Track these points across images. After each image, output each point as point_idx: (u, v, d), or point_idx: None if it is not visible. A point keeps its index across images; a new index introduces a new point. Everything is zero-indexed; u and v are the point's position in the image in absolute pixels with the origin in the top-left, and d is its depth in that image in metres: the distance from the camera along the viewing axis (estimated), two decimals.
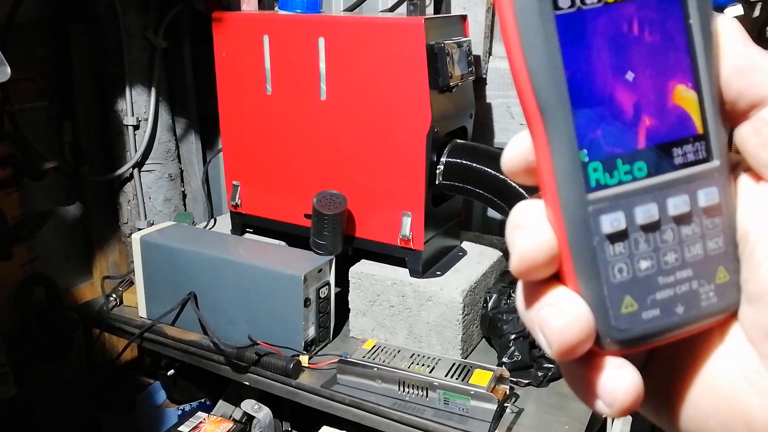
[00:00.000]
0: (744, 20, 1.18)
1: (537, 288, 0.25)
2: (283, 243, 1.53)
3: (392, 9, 1.57)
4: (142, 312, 1.52)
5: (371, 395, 1.22)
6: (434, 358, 1.24)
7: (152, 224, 1.80)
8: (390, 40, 1.26)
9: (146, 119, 1.79)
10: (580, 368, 0.25)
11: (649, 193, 0.24)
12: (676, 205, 0.24)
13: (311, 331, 1.34)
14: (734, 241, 0.25)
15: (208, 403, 1.68)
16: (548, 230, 0.24)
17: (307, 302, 1.30)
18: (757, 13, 1.26)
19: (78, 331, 1.69)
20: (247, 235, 1.60)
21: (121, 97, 1.76)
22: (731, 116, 0.25)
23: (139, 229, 1.62)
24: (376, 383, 1.22)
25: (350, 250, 1.43)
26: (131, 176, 1.81)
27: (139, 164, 1.81)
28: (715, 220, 0.25)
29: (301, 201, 1.44)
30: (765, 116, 0.23)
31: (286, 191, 1.48)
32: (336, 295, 1.41)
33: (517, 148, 0.25)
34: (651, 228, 0.24)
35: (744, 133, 0.24)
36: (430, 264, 1.37)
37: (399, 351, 1.27)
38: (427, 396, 1.19)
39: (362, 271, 1.37)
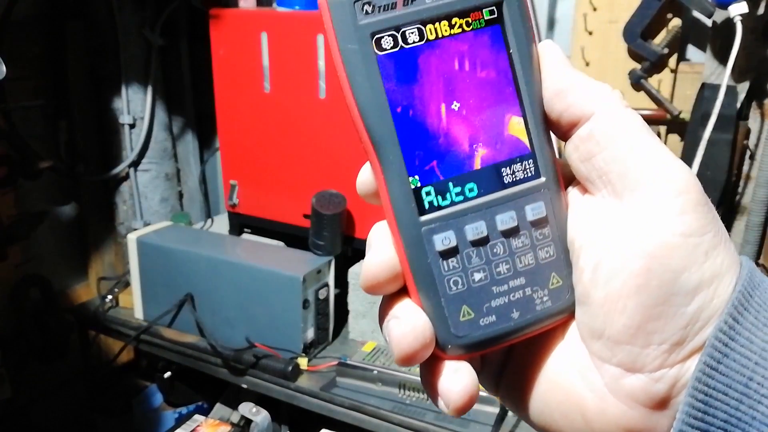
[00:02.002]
0: (748, 17, 1.17)
1: (387, 302, 0.28)
2: (281, 243, 1.52)
3: None
4: (139, 313, 1.50)
5: (371, 398, 1.21)
6: None
7: (148, 224, 1.78)
8: None
9: (142, 118, 1.77)
10: (427, 372, 0.27)
11: (478, 212, 0.27)
12: (504, 220, 0.27)
13: (310, 333, 1.33)
14: (566, 249, 0.27)
15: (205, 406, 1.67)
16: (389, 251, 0.27)
17: (305, 304, 1.28)
18: (761, 10, 1.24)
19: (74, 333, 1.67)
20: (244, 236, 1.59)
21: (117, 95, 1.74)
22: (558, 134, 0.27)
23: (135, 230, 1.61)
24: (376, 386, 1.21)
25: (350, 250, 1.41)
26: (127, 176, 1.79)
27: (136, 163, 1.79)
28: (544, 231, 0.27)
29: (300, 201, 1.42)
30: (582, 134, 0.26)
31: (284, 191, 1.47)
32: (335, 296, 1.39)
33: (363, 175, 0.28)
34: (481, 243, 0.27)
35: (568, 150, 0.27)
36: None
37: None
38: (427, 399, 1.17)
39: None
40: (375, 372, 1.21)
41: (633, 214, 0.25)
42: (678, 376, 0.25)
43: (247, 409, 1.41)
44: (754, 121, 1.32)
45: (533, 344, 0.28)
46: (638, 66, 1.36)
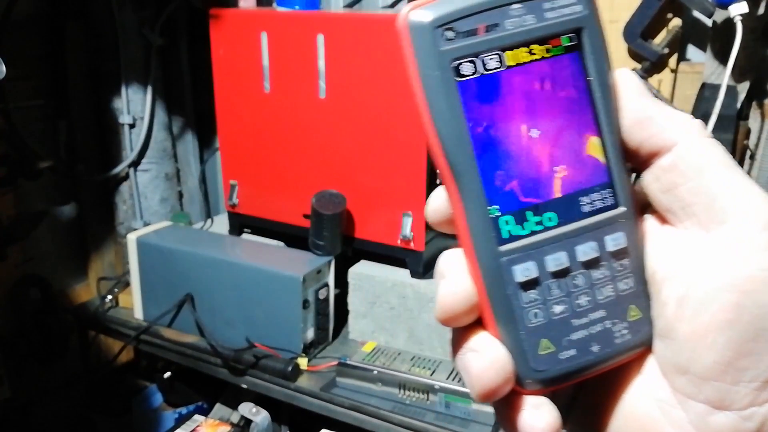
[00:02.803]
0: (749, 17, 1.17)
1: (462, 334, 0.27)
2: (281, 243, 1.52)
3: (392, 5, 1.56)
4: (138, 314, 1.50)
5: (371, 398, 1.21)
6: (435, 361, 1.22)
7: (148, 224, 1.78)
8: (390, 37, 1.24)
9: (142, 118, 1.77)
10: (504, 407, 0.26)
11: (558, 242, 0.26)
12: (585, 251, 0.26)
13: (310, 333, 1.32)
14: (644, 281, 0.27)
15: (205, 406, 1.67)
16: (468, 280, 0.26)
17: (305, 304, 1.28)
18: (761, 10, 1.24)
19: (73, 333, 1.67)
20: (244, 236, 1.59)
21: (116, 95, 1.74)
22: (635, 163, 0.27)
23: (135, 230, 1.60)
24: (376, 386, 1.21)
25: (350, 250, 1.41)
26: (127, 176, 1.79)
27: (135, 163, 1.79)
28: (624, 263, 0.27)
29: (300, 201, 1.42)
30: (663, 164, 0.26)
31: (284, 191, 1.46)
32: (335, 296, 1.39)
33: (436, 202, 0.27)
34: (562, 274, 0.26)
35: (647, 180, 0.26)
36: (431, 265, 1.35)
37: (399, 353, 1.25)
38: (428, 399, 1.17)
39: (362, 272, 1.36)
40: (375, 372, 1.20)
41: (721, 246, 0.24)
42: None
43: (247, 409, 1.41)
44: (754, 121, 1.32)
45: (608, 377, 0.28)
46: (638, 66, 1.36)
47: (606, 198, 0.27)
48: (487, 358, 0.26)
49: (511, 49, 0.25)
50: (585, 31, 0.26)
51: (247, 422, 1.43)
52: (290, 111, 1.40)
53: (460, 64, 0.25)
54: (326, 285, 1.34)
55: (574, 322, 0.26)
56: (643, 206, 0.28)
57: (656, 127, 0.26)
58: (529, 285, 0.26)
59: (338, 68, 1.31)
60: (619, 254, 0.27)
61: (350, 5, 1.62)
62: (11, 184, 1.59)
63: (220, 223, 1.69)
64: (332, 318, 1.39)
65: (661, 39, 1.34)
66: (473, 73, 0.25)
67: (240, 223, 1.58)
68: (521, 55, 0.25)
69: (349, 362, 1.24)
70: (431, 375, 1.18)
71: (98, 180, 1.79)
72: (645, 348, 0.27)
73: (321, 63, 1.32)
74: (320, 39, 1.31)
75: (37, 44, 1.67)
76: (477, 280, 0.26)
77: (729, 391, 0.24)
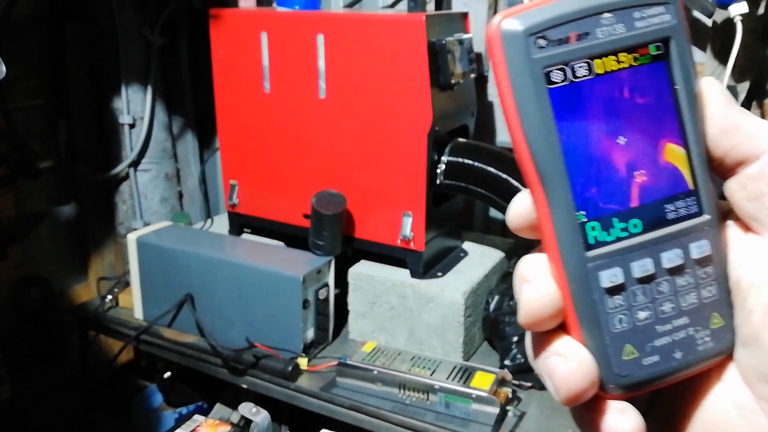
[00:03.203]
0: (749, 17, 1.17)
1: (544, 337, 0.27)
2: (281, 243, 1.52)
3: (393, 5, 1.56)
4: (138, 314, 1.50)
5: (371, 398, 1.21)
6: (435, 361, 1.22)
7: (148, 224, 1.78)
8: (390, 37, 1.24)
9: (142, 118, 1.77)
10: (586, 411, 0.27)
11: (644, 248, 0.27)
12: (670, 258, 0.27)
13: (310, 333, 1.33)
14: (727, 289, 0.27)
15: (205, 406, 1.67)
16: (552, 285, 0.27)
17: (305, 304, 1.28)
18: (761, 10, 1.24)
19: (73, 333, 1.67)
20: (244, 236, 1.59)
21: (117, 95, 1.74)
22: (719, 171, 0.27)
23: (135, 230, 1.60)
24: (376, 386, 1.21)
25: (350, 250, 1.41)
26: (127, 176, 1.80)
27: (135, 163, 1.79)
28: (708, 270, 0.27)
29: (300, 201, 1.42)
30: (750, 173, 0.26)
31: (284, 191, 1.47)
32: (335, 296, 1.39)
33: (519, 207, 0.27)
34: (647, 281, 0.27)
35: (732, 188, 0.26)
36: (431, 265, 1.35)
37: (399, 353, 1.25)
38: (428, 399, 1.17)
39: (362, 272, 1.36)
40: (375, 372, 1.20)
41: None
42: None
43: (247, 409, 1.41)
44: None
45: (686, 384, 0.28)
46: None
47: (690, 206, 0.27)
48: (573, 363, 0.26)
49: (600, 57, 0.26)
50: (673, 40, 0.26)
51: (247, 422, 1.43)
52: (290, 111, 1.40)
53: (551, 71, 0.25)
54: (326, 285, 1.34)
55: (657, 329, 0.27)
56: (724, 214, 0.28)
57: (743, 136, 0.26)
58: (615, 291, 0.26)
59: (338, 68, 1.31)
60: (703, 262, 0.27)
61: (350, 5, 1.62)
62: (11, 184, 1.59)
63: (220, 223, 1.69)
64: (332, 318, 1.39)
65: None
66: (563, 81, 0.26)
67: (240, 223, 1.58)
68: (609, 63, 0.26)
69: (349, 362, 1.24)
70: (431, 375, 1.18)
71: (98, 180, 1.80)
72: (726, 356, 0.27)
73: (321, 63, 1.32)
74: (320, 39, 1.31)
75: (38, 44, 1.67)
76: (562, 285, 0.27)
77: None
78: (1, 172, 1.56)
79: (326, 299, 1.35)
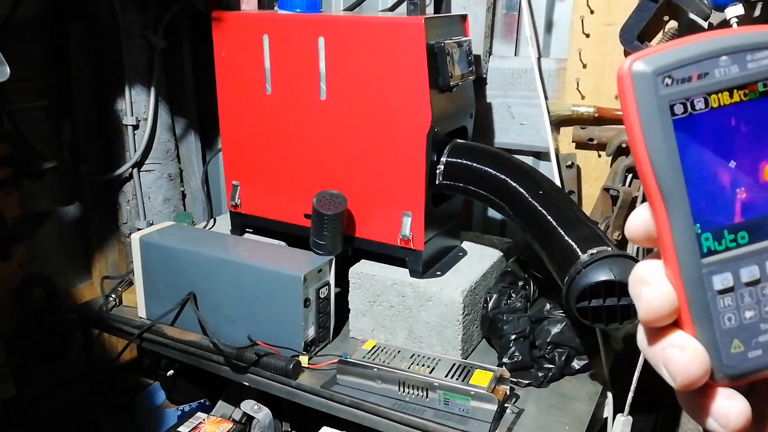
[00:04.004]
0: (744, 20, 1.18)
1: (659, 332, 0.31)
2: (282, 243, 1.53)
3: (392, 8, 1.57)
4: (142, 312, 1.51)
5: (371, 396, 1.22)
6: (434, 359, 1.23)
7: (151, 224, 1.80)
8: (390, 39, 1.25)
9: (146, 119, 1.79)
10: (697, 397, 0.31)
11: (751, 257, 0.31)
12: None
13: (311, 332, 1.34)
14: None
15: (207, 403, 1.68)
16: (669, 287, 0.31)
17: (306, 302, 1.30)
18: (757, 12, 1.25)
19: (77, 332, 1.68)
20: (246, 235, 1.60)
21: (120, 96, 1.76)
22: None
23: (139, 229, 1.62)
24: (376, 384, 1.22)
25: (350, 250, 1.42)
26: (130, 176, 1.81)
27: (139, 164, 1.81)
28: None
29: (301, 201, 1.44)
30: None
31: (285, 191, 1.48)
32: (336, 295, 1.40)
33: (638, 219, 0.32)
34: (753, 284, 0.31)
35: None
36: (430, 264, 1.36)
37: (399, 351, 1.26)
38: (427, 396, 1.18)
39: (362, 271, 1.37)
40: (375, 370, 1.21)
41: None
42: None
43: (249, 406, 1.42)
44: None
45: None
46: None
47: None
48: (690, 353, 0.30)
49: (716, 93, 0.30)
50: None
51: (249, 419, 1.45)
52: (291, 112, 1.41)
53: (675, 104, 0.30)
54: (327, 284, 1.36)
55: (762, 327, 0.31)
56: None
57: None
58: (725, 292, 0.31)
59: (339, 70, 1.33)
60: None
61: (351, 8, 1.63)
62: (16, 184, 1.60)
63: (223, 223, 1.71)
64: (333, 316, 1.40)
65: (657, 41, 1.35)
66: (684, 113, 0.30)
67: (242, 223, 1.60)
68: (724, 98, 0.30)
69: (349, 360, 1.25)
70: (430, 372, 1.19)
71: (102, 180, 1.81)
72: None
73: (322, 65, 1.34)
74: (321, 41, 1.32)
75: (41, 46, 1.68)
76: (679, 287, 0.31)
77: None
78: (6, 173, 1.57)
79: (327, 298, 1.36)
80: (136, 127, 1.78)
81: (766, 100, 0.31)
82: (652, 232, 0.31)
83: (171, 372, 1.66)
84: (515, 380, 1.25)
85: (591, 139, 1.45)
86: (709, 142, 0.30)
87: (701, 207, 0.31)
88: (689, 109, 0.30)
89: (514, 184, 1.23)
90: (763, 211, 0.31)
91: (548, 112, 1.47)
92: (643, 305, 0.31)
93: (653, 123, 0.30)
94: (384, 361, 1.23)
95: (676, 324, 0.32)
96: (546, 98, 1.48)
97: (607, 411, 1.28)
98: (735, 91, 0.30)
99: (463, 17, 1.40)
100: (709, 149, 0.30)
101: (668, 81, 0.30)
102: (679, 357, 0.30)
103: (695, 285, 0.31)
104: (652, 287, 0.31)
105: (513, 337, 1.28)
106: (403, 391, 1.20)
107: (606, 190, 1.40)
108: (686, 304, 0.31)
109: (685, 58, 0.30)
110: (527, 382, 1.26)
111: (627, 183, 1.38)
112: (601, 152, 1.47)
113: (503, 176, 1.25)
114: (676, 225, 0.31)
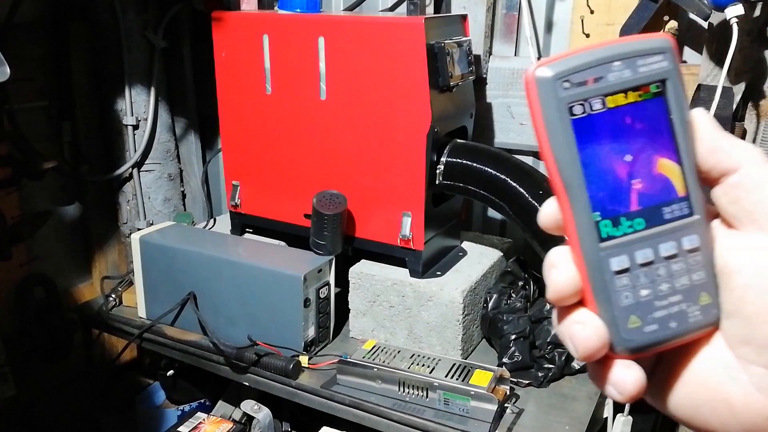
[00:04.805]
0: (744, 20, 1.18)
1: (566, 310, 0.35)
2: (282, 243, 1.53)
3: (392, 8, 1.57)
4: (142, 312, 1.51)
5: (371, 396, 1.22)
6: (434, 359, 1.23)
7: (152, 224, 1.80)
8: (390, 39, 1.25)
9: (146, 119, 1.79)
10: (599, 367, 0.34)
11: (646, 241, 0.34)
12: (666, 249, 0.34)
13: (311, 332, 1.34)
14: (714, 273, 0.34)
15: (207, 403, 1.68)
16: (574, 270, 0.34)
17: (306, 302, 1.30)
18: (757, 12, 1.25)
19: (77, 332, 1.68)
20: (246, 235, 1.60)
21: (120, 96, 1.76)
22: (708, 182, 0.34)
23: (139, 229, 1.62)
24: (376, 384, 1.22)
25: (350, 250, 1.43)
26: (131, 176, 1.81)
27: (139, 164, 1.81)
28: (697, 258, 0.34)
29: (301, 201, 1.44)
30: (730, 182, 0.33)
31: (285, 191, 1.48)
32: (336, 295, 1.40)
33: (548, 210, 0.35)
34: (648, 265, 0.34)
35: (717, 194, 0.33)
36: (430, 264, 1.36)
37: (399, 351, 1.26)
38: (427, 396, 1.18)
39: (362, 271, 1.37)
40: (375, 370, 1.22)
41: None
42: None
43: (249, 406, 1.42)
44: (750, 122, 1.34)
45: (682, 350, 0.34)
46: None
47: (683, 208, 0.34)
48: (590, 328, 0.33)
49: (611, 95, 0.33)
50: (669, 81, 0.33)
51: (249, 419, 1.45)
52: (291, 112, 1.41)
53: (573, 106, 0.33)
54: (327, 284, 1.36)
55: (656, 304, 0.34)
56: (714, 215, 0.34)
57: (725, 154, 0.33)
58: (622, 273, 0.34)
59: (339, 70, 1.33)
60: (693, 251, 0.34)
61: (351, 8, 1.63)
62: (16, 184, 1.60)
63: (223, 223, 1.71)
64: (333, 316, 1.40)
65: None
66: (582, 113, 0.33)
67: (242, 223, 1.60)
68: (619, 99, 0.33)
69: (349, 360, 1.25)
70: (430, 372, 1.19)
71: (102, 180, 1.81)
72: (713, 327, 0.34)
73: (322, 65, 1.34)
74: (321, 41, 1.32)
75: (42, 46, 1.68)
76: (581, 269, 0.34)
77: None
78: (6, 173, 1.57)
79: (327, 298, 1.36)
80: (136, 127, 1.78)
81: (659, 100, 0.33)
82: (561, 221, 0.34)
83: (171, 372, 1.66)
84: (515, 380, 1.25)
85: None
86: (607, 138, 0.33)
87: (600, 197, 0.33)
88: (588, 109, 0.33)
89: (514, 184, 1.23)
90: (658, 200, 0.34)
91: None
92: (551, 286, 0.34)
93: (554, 122, 0.33)
94: (384, 361, 1.23)
95: (581, 303, 0.34)
96: None
97: (607, 411, 1.29)
98: (629, 92, 0.33)
99: (463, 17, 1.40)
100: (607, 145, 0.33)
101: (566, 85, 0.32)
102: (581, 332, 0.33)
103: (595, 267, 0.33)
104: (558, 270, 0.34)
105: (513, 337, 1.28)
106: (403, 391, 1.20)
107: None
108: (588, 285, 0.34)
109: (581, 64, 0.33)
110: (527, 382, 1.26)
111: None
112: None
113: (503, 176, 1.25)
114: (577, 214, 0.33)
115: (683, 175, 0.34)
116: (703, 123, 0.34)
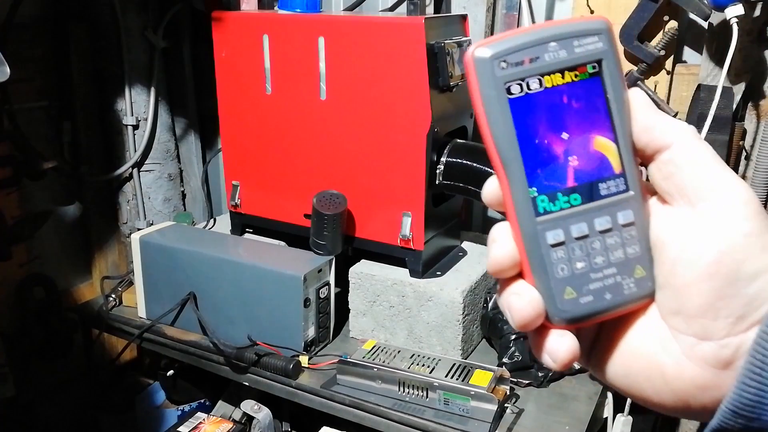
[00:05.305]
0: (744, 19, 1.18)
1: (506, 282, 0.36)
2: (282, 243, 1.53)
3: (392, 8, 1.57)
4: (142, 312, 1.51)
5: (371, 396, 1.22)
6: (434, 359, 1.23)
7: (152, 224, 1.80)
8: (390, 39, 1.25)
9: (146, 119, 1.79)
10: (537, 336, 0.36)
11: (581, 215, 0.34)
12: (601, 223, 0.35)
13: (311, 332, 1.34)
14: (649, 247, 0.35)
15: (207, 403, 1.68)
16: (512, 244, 0.35)
17: (306, 302, 1.30)
18: (757, 12, 1.25)
19: (77, 332, 1.68)
20: (246, 235, 1.60)
21: (120, 96, 1.76)
22: (643, 159, 0.35)
23: (139, 229, 1.62)
24: (376, 384, 1.22)
25: (350, 250, 1.43)
26: (131, 176, 1.81)
27: (139, 164, 1.81)
28: (632, 233, 0.35)
29: (301, 201, 1.44)
30: (664, 158, 0.34)
31: (285, 191, 1.48)
32: (336, 295, 1.40)
33: (490, 188, 0.36)
34: (582, 239, 0.34)
35: (651, 171, 0.35)
36: (430, 264, 1.36)
37: (399, 351, 1.26)
38: (427, 396, 1.18)
39: (362, 271, 1.37)
40: (375, 370, 1.22)
41: (705, 219, 0.32)
42: (741, 343, 0.31)
43: (249, 406, 1.42)
44: (749, 122, 1.34)
45: (620, 322, 0.36)
46: (635, 68, 1.37)
47: (619, 185, 0.35)
48: (525, 299, 0.34)
49: (548, 74, 0.33)
50: (605, 61, 0.34)
51: (249, 419, 1.45)
52: (291, 112, 1.41)
53: (511, 85, 0.33)
54: (327, 284, 1.36)
55: (591, 276, 0.35)
56: (653, 192, 0.35)
57: (659, 132, 0.34)
58: (558, 246, 0.34)
59: (339, 70, 1.33)
60: (627, 226, 0.35)
61: (351, 8, 1.63)
62: (16, 184, 1.60)
63: (223, 223, 1.71)
64: (333, 316, 1.40)
65: (657, 41, 1.35)
66: (520, 92, 0.33)
67: (242, 223, 1.60)
68: (556, 79, 0.34)
69: (349, 360, 1.25)
70: (430, 372, 1.19)
71: (102, 180, 1.81)
72: (648, 299, 0.35)
73: (322, 65, 1.34)
74: (321, 41, 1.32)
75: (42, 46, 1.69)
76: (519, 243, 0.35)
77: (710, 325, 0.32)
78: (6, 173, 1.57)
79: (327, 298, 1.36)
80: (136, 127, 1.78)
81: (595, 80, 0.34)
82: (501, 197, 0.35)
83: (171, 372, 1.66)
84: (515, 380, 1.25)
85: None
86: (544, 117, 0.34)
87: (537, 174, 0.34)
88: (525, 88, 0.33)
89: None
90: (594, 177, 0.34)
91: None
92: (490, 259, 0.35)
93: (492, 101, 0.33)
94: (384, 361, 1.23)
95: (521, 276, 0.35)
96: None
97: (607, 411, 1.29)
98: (566, 72, 0.34)
99: (463, 17, 1.40)
100: (544, 123, 0.34)
101: (503, 65, 0.33)
102: (517, 302, 0.34)
103: (531, 240, 0.34)
104: (498, 244, 0.35)
105: (513, 337, 1.28)
106: (403, 391, 1.20)
107: None
108: (525, 258, 0.35)
109: (518, 44, 0.33)
110: (527, 382, 1.26)
111: None
112: None
113: None
114: (515, 190, 0.34)
115: (619, 152, 0.34)
116: (638, 102, 0.35)
